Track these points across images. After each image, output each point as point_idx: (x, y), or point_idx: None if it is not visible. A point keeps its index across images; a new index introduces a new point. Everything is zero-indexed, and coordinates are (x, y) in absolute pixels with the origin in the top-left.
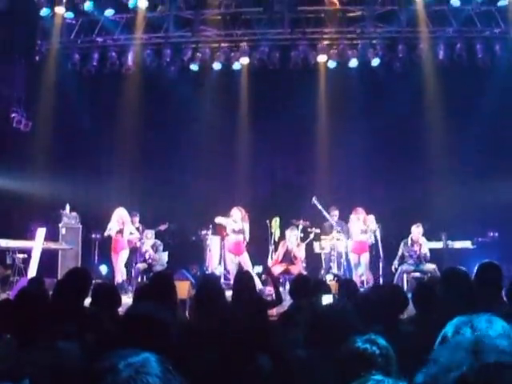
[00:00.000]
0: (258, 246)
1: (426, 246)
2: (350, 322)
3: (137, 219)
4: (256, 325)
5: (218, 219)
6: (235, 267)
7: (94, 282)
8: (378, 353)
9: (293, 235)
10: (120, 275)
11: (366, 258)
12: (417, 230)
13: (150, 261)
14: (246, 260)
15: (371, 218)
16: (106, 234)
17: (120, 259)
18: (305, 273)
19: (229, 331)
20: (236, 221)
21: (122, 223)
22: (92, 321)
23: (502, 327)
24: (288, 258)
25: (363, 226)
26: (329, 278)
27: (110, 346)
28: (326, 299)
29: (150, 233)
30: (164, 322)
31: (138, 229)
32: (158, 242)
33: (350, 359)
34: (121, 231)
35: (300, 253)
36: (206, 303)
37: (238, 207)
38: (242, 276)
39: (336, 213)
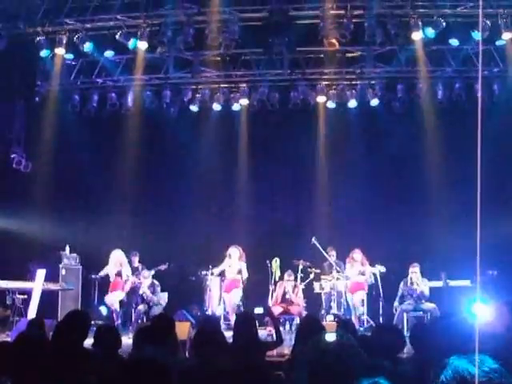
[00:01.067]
0: (258, 287)
1: (424, 286)
2: (352, 361)
3: (136, 259)
4: (257, 367)
5: (216, 271)
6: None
7: (94, 322)
8: None
9: (289, 281)
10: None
11: (358, 297)
12: (413, 271)
13: (149, 301)
14: (232, 298)
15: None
16: (111, 278)
17: (115, 295)
18: (305, 313)
19: (230, 373)
20: (232, 258)
21: (119, 265)
22: (92, 363)
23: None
24: (287, 298)
25: (361, 268)
26: (329, 318)
27: None
28: (329, 337)
29: (147, 272)
30: (165, 365)
31: (137, 268)
32: (156, 283)
33: None
34: (119, 273)
35: (297, 297)
36: (205, 344)
37: (235, 246)
38: (243, 317)
39: (333, 253)
